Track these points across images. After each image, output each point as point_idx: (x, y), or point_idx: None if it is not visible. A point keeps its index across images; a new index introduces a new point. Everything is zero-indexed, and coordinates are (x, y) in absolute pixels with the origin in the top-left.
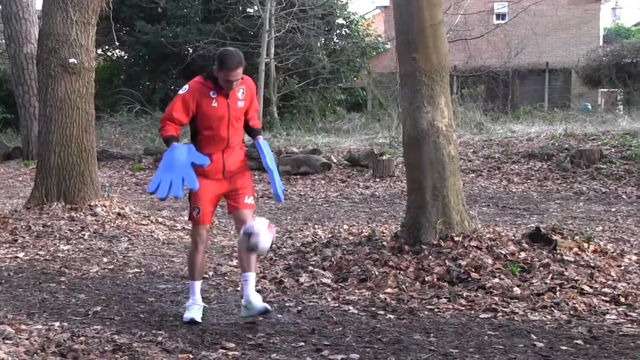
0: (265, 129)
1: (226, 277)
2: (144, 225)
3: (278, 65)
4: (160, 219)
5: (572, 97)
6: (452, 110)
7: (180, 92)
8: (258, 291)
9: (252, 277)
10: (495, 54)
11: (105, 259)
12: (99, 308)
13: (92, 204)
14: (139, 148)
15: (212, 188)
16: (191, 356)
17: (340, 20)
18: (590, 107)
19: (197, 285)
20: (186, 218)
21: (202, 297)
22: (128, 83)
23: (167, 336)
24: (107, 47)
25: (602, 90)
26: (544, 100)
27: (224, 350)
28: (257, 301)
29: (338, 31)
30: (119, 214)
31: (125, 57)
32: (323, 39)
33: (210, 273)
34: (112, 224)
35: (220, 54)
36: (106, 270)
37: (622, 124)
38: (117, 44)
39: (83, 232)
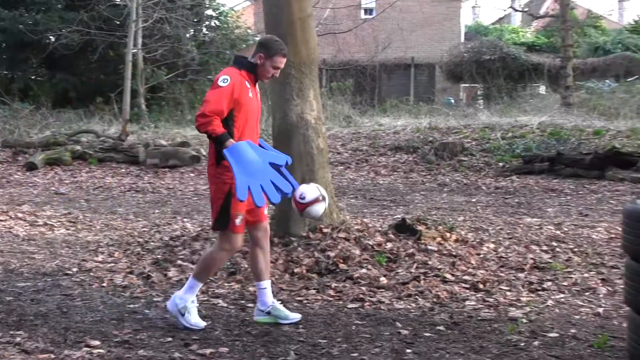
0: (132, 122)
1: (91, 273)
2: (1, 221)
3: (146, 56)
4: (20, 214)
5: (436, 91)
6: (321, 103)
7: (222, 83)
8: (124, 287)
9: (269, 284)
10: (363, 48)
11: None
12: None
13: None
14: None
15: None
16: (53, 356)
17: (209, 12)
18: (452, 101)
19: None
20: (208, 225)
21: (66, 295)
22: None
23: (27, 336)
24: None
25: (463, 85)
26: (409, 94)
27: (88, 348)
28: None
29: (207, 22)
30: None
31: None
32: (192, 30)
33: (75, 269)
34: None
35: (269, 41)
36: None
37: (482, 118)
38: None
39: None
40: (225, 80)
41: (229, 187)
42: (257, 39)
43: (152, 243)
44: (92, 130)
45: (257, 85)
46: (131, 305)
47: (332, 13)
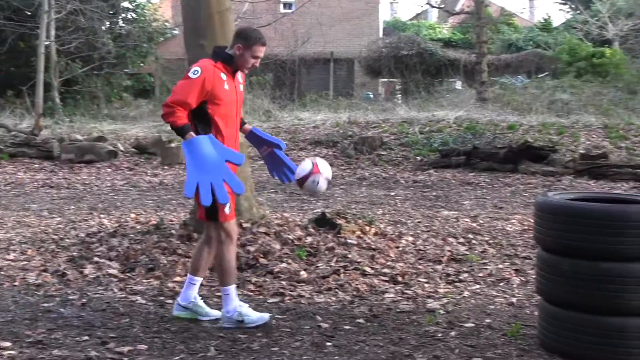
0: (46, 116)
1: (2, 272)
2: None
3: (59, 48)
4: None
5: (355, 86)
6: None
7: (193, 75)
8: (38, 285)
9: (199, 282)
10: (282, 42)
11: None
12: None
13: None
14: None
15: None
16: None
17: (125, 4)
18: (371, 95)
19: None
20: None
21: None
22: None
23: None
24: None
25: (382, 80)
26: (329, 88)
27: None
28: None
29: (123, 15)
30: None
31: None
32: (108, 23)
33: None
34: None
35: (246, 30)
36: None
37: (400, 113)
38: None
39: None
40: (196, 72)
41: None
42: (175, 32)
43: (67, 240)
44: (3, 125)
45: (238, 76)
46: (45, 304)
47: (251, 7)
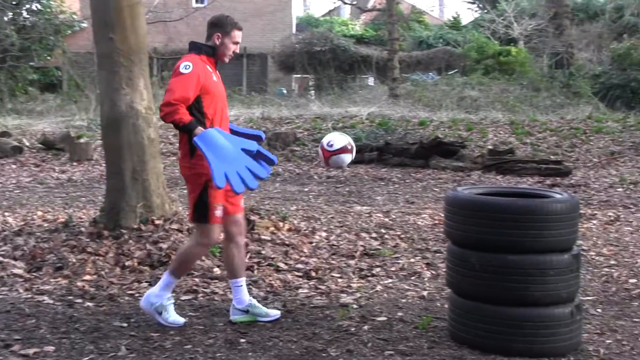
0: None
1: None
2: None
3: None
4: None
5: (268, 81)
6: (152, 92)
7: (185, 70)
8: None
9: (245, 281)
10: (195, 37)
11: None
12: None
13: None
14: None
15: None
16: None
17: None
18: (285, 91)
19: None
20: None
21: None
22: None
23: None
24: None
25: (295, 75)
26: (242, 84)
27: None
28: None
29: (28, 6)
30: None
31: None
32: (11, 14)
33: None
34: None
35: (220, 18)
36: None
37: (314, 108)
38: None
39: None
40: (188, 67)
41: (205, 178)
42: (84, 25)
43: None
44: None
45: (217, 69)
46: None
47: (163, 1)
